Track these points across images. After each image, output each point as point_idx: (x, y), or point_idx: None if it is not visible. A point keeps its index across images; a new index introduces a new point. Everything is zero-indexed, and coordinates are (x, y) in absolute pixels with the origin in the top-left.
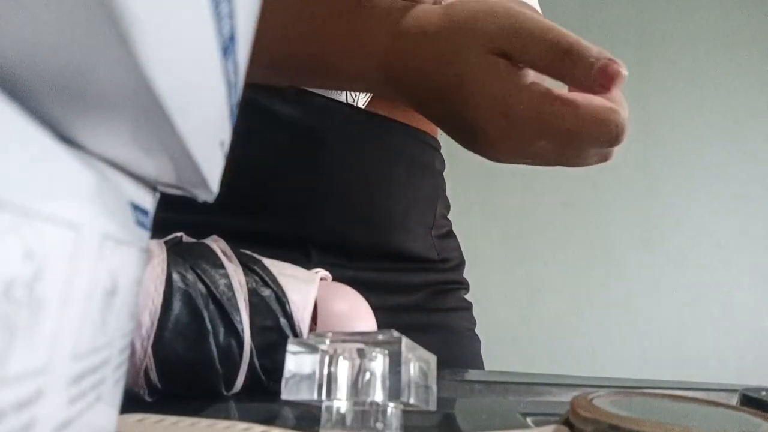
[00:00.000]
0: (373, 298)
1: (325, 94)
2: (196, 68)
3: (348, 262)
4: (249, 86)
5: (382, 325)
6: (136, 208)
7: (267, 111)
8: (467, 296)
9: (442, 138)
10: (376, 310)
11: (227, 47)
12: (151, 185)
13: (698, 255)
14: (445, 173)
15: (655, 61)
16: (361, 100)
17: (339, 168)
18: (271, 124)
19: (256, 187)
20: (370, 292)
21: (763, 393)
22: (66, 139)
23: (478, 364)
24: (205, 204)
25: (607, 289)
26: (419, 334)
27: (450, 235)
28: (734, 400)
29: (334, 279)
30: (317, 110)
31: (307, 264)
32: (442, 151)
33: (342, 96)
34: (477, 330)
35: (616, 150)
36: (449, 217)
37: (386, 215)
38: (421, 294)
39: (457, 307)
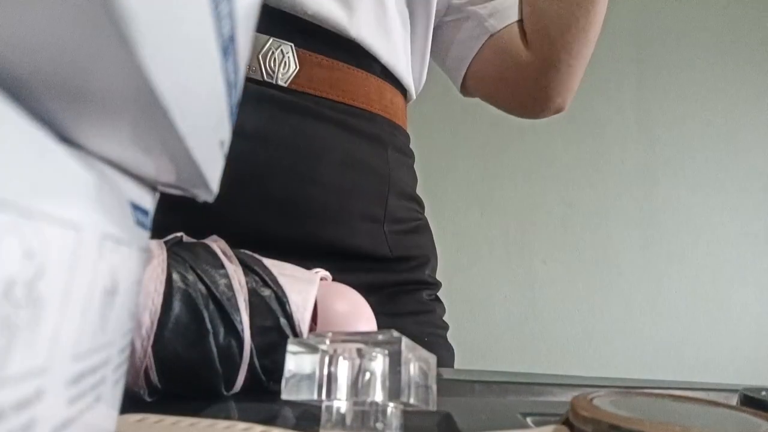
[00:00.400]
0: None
1: None
2: (196, 68)
3: (277, 258)
4: None
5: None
6: (136, 208)
7: None
8: (444, 294)
9: (439, 137)
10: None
11: (227, 47)
12: (151, 185)
13: (698, 255)
14: (445, 174)
15: (656, 63)
16: (282, 77)
17: (246, 155)
18: None
19: None
20: None
21: (763, 393)
22: (66, 140)
23: None
24: None
25: (607, 289)
26: None
27: (418, 230)
28: (734, 400)
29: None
30: None
31: None
32: (438, 149)
33: (257, 73)
34: (477, 330)
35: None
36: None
37: (311, 207)
38: (370, 297)
39: (415, 310)
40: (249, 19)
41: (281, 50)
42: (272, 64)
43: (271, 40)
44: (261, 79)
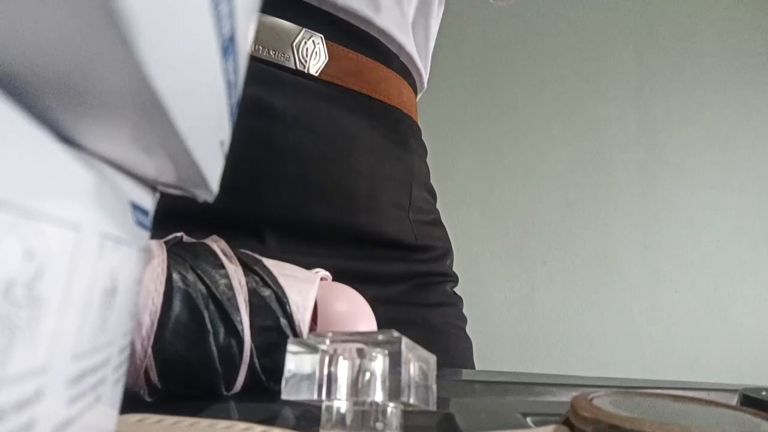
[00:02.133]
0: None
1: (272, 60)
2: (196, 68)
3: (311, 247)
4: None
5: None
6: (136, 208)
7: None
8: (456, 290)
9: (439, 136)
10: None
11: (227, 47)
12: (151, 185)
13: (698, 255)
14: (444, 173)
15: (656, 63)
16: (313, 67)
17: (290, 141)
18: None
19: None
20: (342, 282)
21: (764, 393)
22: (66, 139)
23: (467, 364)
24: None
25: (607, 289)
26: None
27: (437, 223)
28: (734, 400)
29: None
30: (263, 78)
31: (264, 250)
32: (438, 148)
33: (290, 62)
34: (477, 330)
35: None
36: (454, 212)
37: (347, 192)
38: (400, 286)
39: (441, 302)
40: (249, 19)
41: (312, 41)
42: (305, 54)
43: (303, 31)
44: (294, 68)
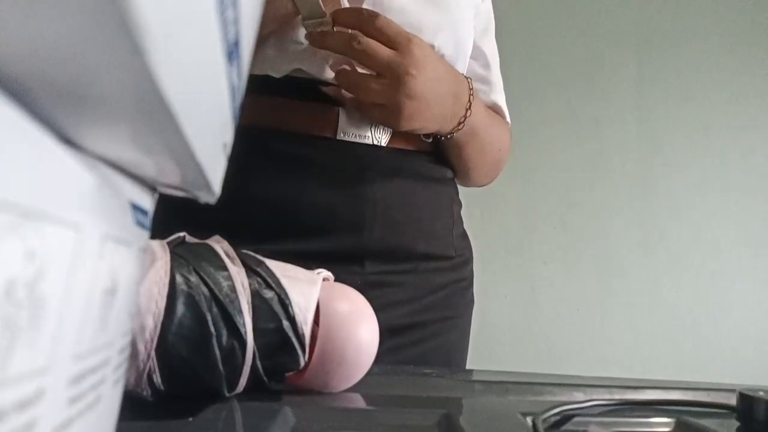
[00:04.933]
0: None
1: (354, 140)
2: (203, 74)
3: (394, 266)
4: (294, 138)
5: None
6: (136, 208)
7: (310, 161)
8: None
9: None
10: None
11: (232, 52)
12: (150, 185)
13: (698, 255)
14: None
15: (656, 63)
16: (383, 140)
17: (380, 195)
18: (310, 168)
19: (315, 217)
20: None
21: (761, 393)
22: (67, 141)
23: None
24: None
25: (607, 289)
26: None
27: (465, 234)
28: (733, 400)
29: (388, 285)
30: (350, 154)
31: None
32: None
33: (368, 140)
34: (477, 330)
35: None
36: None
37: (416, 225)
38: (443, 292)
39: (471, 300)
40: (253, 24)
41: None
42: (377, 132)
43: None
44: (371, 143)
